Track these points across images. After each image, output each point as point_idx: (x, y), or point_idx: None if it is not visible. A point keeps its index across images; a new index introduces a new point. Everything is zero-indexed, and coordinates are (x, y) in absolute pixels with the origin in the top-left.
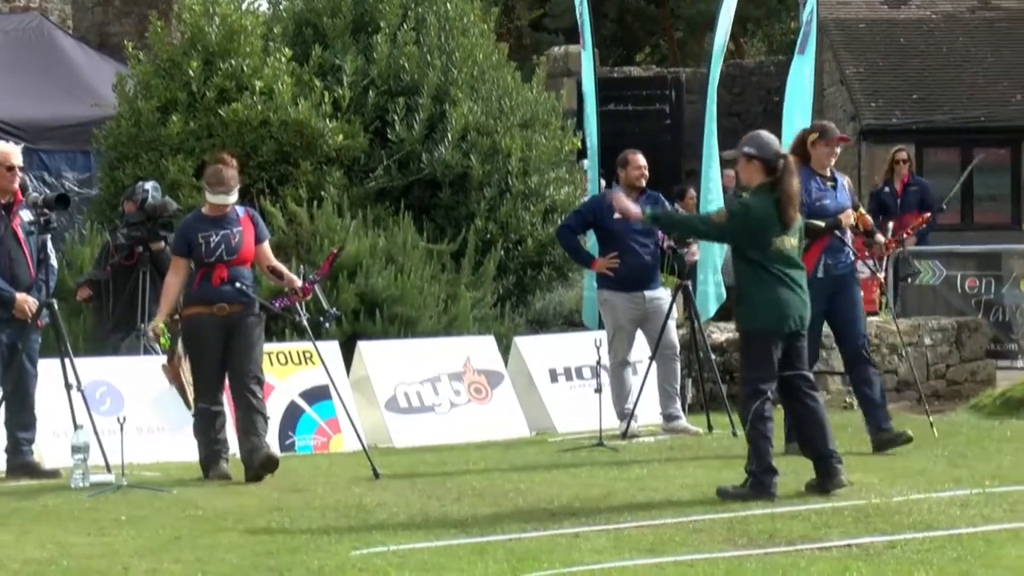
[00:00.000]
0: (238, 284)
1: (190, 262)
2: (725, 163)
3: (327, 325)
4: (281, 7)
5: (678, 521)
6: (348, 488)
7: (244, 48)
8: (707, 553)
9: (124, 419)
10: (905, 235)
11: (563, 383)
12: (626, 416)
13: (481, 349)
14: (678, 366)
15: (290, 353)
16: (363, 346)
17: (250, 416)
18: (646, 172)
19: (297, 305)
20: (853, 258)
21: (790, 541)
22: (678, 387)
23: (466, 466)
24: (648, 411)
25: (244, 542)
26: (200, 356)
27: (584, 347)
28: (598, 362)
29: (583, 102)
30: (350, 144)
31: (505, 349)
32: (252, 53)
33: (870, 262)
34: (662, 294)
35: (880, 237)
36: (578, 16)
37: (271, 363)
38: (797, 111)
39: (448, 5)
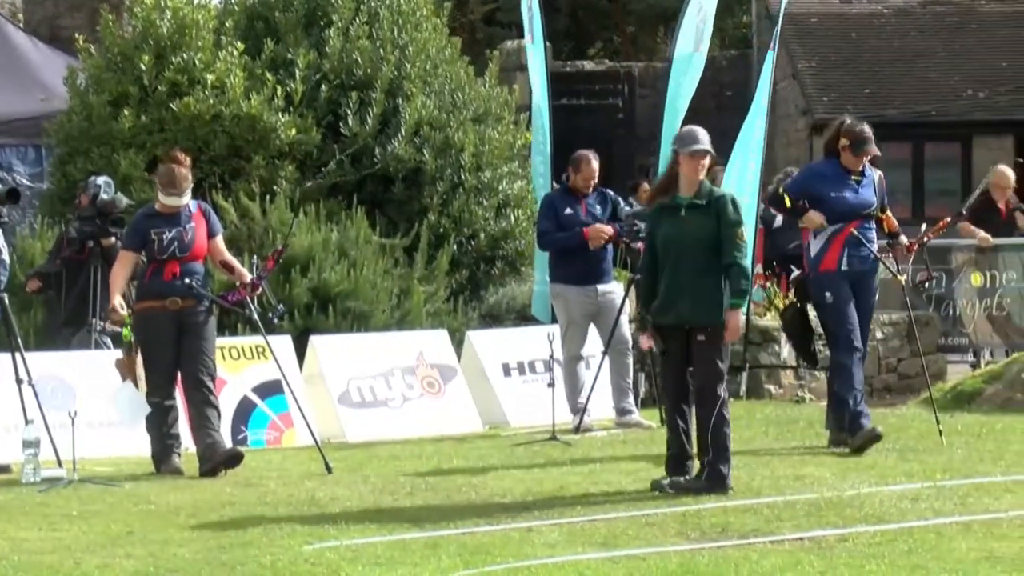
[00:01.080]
0: (188, 280)
1: (140, 256)
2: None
3: (275, 320)
4: (233, 1)
5: (631, 515)
6: (301, 483)
7: (196, 42)
8: (660, 547)
9: (75, 414)
10: (927, 238)
11: (516, 377)
12: (579, 410)
13: (434, 343)
14: (631, 360)
15: (243, 348)
16: (316, 340)
17: (204, 411)
18: (595, 180)
19: (248, 300)
20: (873, 253)
21: (743, 535)
22: (631, 381)
23: (419, 460)
24: (601, 405)
25: (196, 537)
26: (152, 351)
27: (537, 341)
28: (551, 356)
29: (548, 96)
30: (302, 139)
31: (458, 343)
32: (204, 47)
33: (891, 263)
34: (615, 288)
35: (903, 239)
36: (524, 11)
37: (223, 358)
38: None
39: None
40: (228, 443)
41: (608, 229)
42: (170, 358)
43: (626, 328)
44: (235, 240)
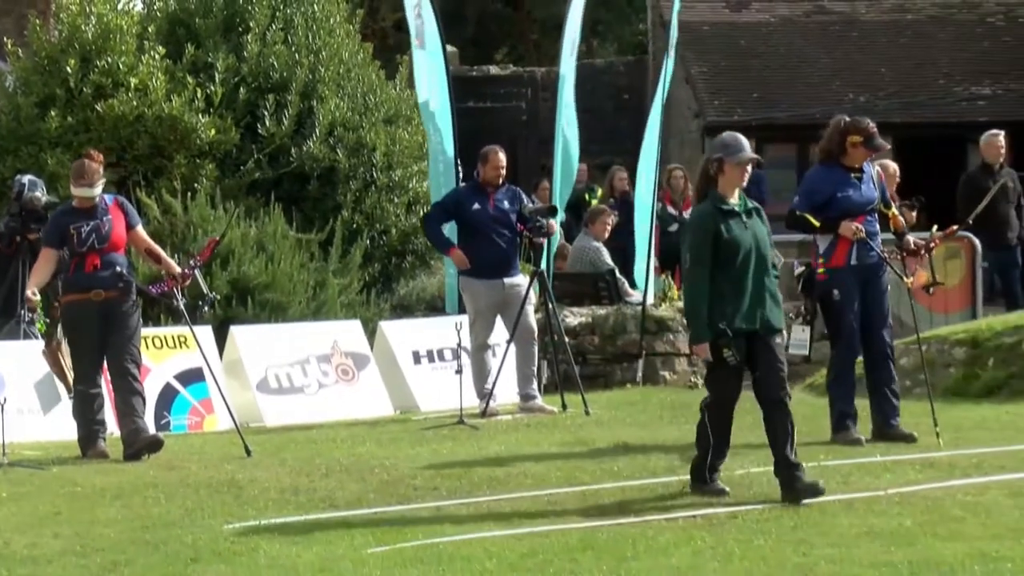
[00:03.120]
0: (118, 268)
1: (62, 253)
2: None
3: (205, 309)
4: (155, 7)
5: (534, 495)
6: (221, 465)
7: (119, 46)
8: (562, 524)
9: (4, 401)
10: (934, 243)
11: (426, 365)
12: (485, 396)
13: (348, 333)
14: (535, 349)
15: (165, 337)
16: (235, 330)
17: (129, 398)
18: (503, 171)
19: (175, 290)
20: (879, 253)
21: (639, 513)
22: (535, 369)
23: (333, 444)
24: (506, 391)
25: (121, 517)
26: (79, 341)
27: (445, 331)
28: (459, 345)
29: (451, 98)
30: (222, 139)
31: (371, 333)
32: (127, 51)
33: (898, 266)
34: (520, 281)
35: (910, 239)
36: (412, 18)
37: (147, 347)
38: (658, 108)
39: (315, 6)
40: (152, 428)
41: (465, 263)
42: (96, 348)
43: (531, 318)
44: (158, 235)
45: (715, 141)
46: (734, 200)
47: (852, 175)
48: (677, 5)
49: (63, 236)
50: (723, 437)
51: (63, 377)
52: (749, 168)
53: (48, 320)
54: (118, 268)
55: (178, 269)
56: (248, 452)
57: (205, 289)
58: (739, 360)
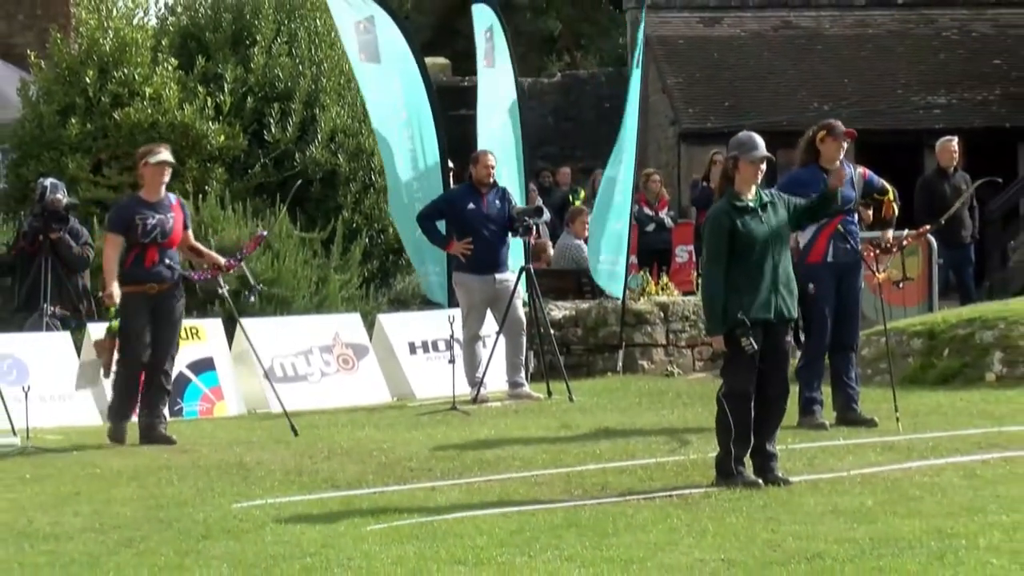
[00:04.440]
0: (172, 263)
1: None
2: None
3: (252, 298)
4: (168, 22)
5: (522, 475)
6: (230, 448)
7: (135, 58)
8: (547, 503)
9: (28, 388)
10: (906, 241)
11: (421, 355)
12: (476, 384)
13: (348, 325)
14: (524, 340)
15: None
16: (244, 323)
17: (156, 392)
18: (493, 171)
19: (219, 279)
20: (856, 250)
21: (620, 492)
22: (523, 358)
23: (335, 428)
24: (496, 379)
25: (137, 497)
26: (127, 329)
27: (439, 323)
28: (452, 336)
29: (433, 108)
30: (231, 144)
31: (370, 325)
32: (142, 63)
33: (871, 261)
34: (509, 276)
35: (889, 233)
36: (357, 33)
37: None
38: (633, 116)
39: (317, 22)
40: (167, 412)
41: (467, 250)
42: (143, 336)
43: (520, 311)
44: None
45: (732, 140)
46: (750, 196)
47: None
48: (642, 22)
49: (128, 224)
50: (745, 426)
51: (108, 365)
52: (764, 165)
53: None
54: (172, 263)
55: (222, 260)
56: (295, 432)
57: (252, 279)
58: (756, 349)
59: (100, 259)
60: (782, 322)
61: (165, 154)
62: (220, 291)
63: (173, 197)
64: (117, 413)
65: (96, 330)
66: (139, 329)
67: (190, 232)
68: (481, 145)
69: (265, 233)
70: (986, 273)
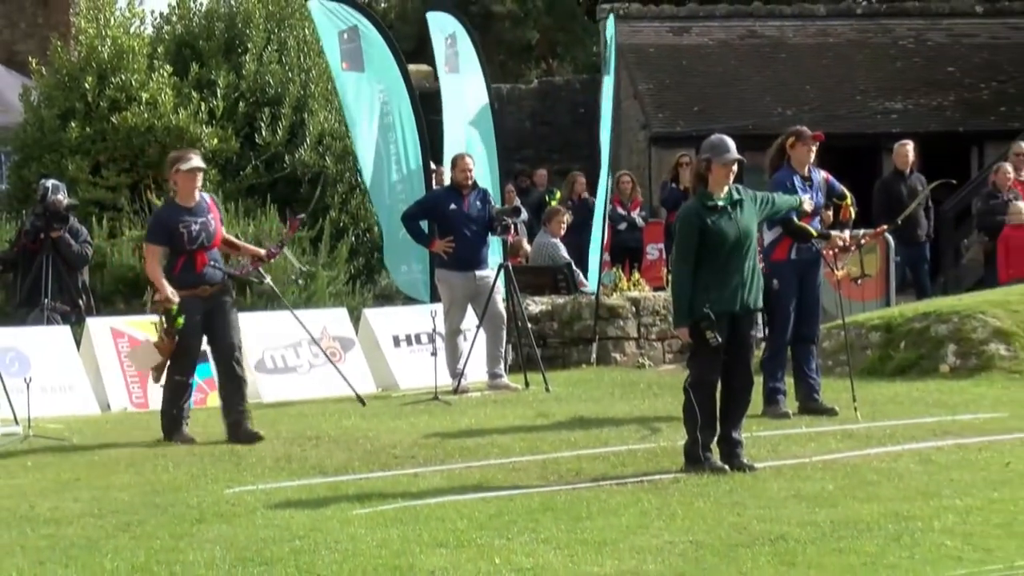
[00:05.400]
0: (219, 263)
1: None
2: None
3: (299, 281)
4: (163, 31)
5: (500, 462)
6: (222, 437)
7: (132, 65)
8: (525, 489)
9: (30, 380)
10: (864, 240)
11: (404, 348)
12: (457, 375)
13: (336, 319)
14: (504, 333)
15: None
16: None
17: (234, 386)
18: (471, 173)
19: (260, 269)
20: (818, 249)
21: (593, 478)
22: (502, 351)
23: (323, 417)
24: (476, 371)
25: (134, 483)
26: (184, 335)
27: (422, 318)
28: (434, 330)
29: (416, 113)
30: (223, 147)
31: (356, 319)
32: (139, 70)
33: (830, 258)
34: (489, 273)
35: (846, 233)
36: (339, 43)
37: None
38: (606, 120)
39: (306, 30)
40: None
41: (449, 249)
42: (197, 340)
43: (499, 306)
44: None
45: (704, 143)
46: (721, 195)
47: (806, 182)
48: (611, 30)
49: (171, 234)
50: (710, 415)
51: (162, 368)
52: (735, 167)
53: (164, 314)
54: (217, 263)
55: (261, 251)
56: (362, 402)
57: (295, 263)
58: (720, 342)
59: (98, 257)
60: (747, 314)
61: (196, 160)
62: (263, 282)
63: (207, 197)
64: (173, 425)
65: (142, 331)
66: (193, 332)
67: (223, 228)
68: (448, 149)
69: (302, 216)
70: (940, 270)
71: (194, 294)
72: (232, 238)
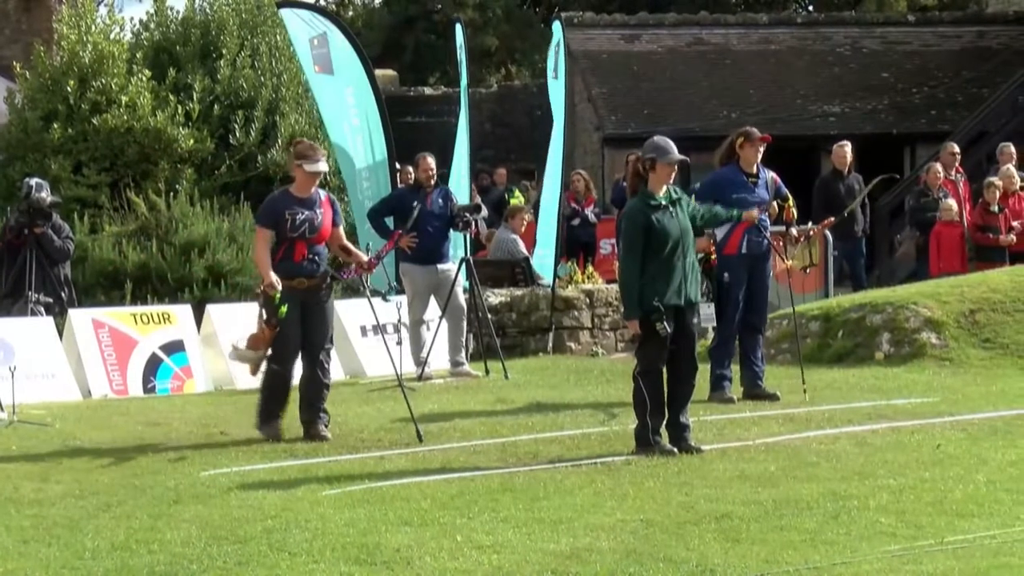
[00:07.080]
0: (320, 259)
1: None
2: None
3: (385, 295)
4: (142, 37)
5: (461, 445)
6: (198, 422)
7: (112, 70)
8: (485, 470)
9: (15, 368)
10: (812, 232)
11: (371, 337)
12: (421, 363)
13: None
14: (465, 324)
15: (151, 314)
16: (211, 308)
17: (316, 386)
18: (433, 173)
19: (361, 277)
20: (768, 241)
21: (550, 460)
22: (463, 340)
23: (293, 404)
24: (439, 359)
25: (114, 466)
26: (284, 323)
27: (388, 309)
28: (399, 321)
29: (382, 115)
30: (199, 147)
31: None
32: (119, 74)
33: (781, 250)
34: (451, 266)
35: (793, 230)
36: (309, 50)
37: (136, 322)
38: (558, 122)
39: (278, 37)
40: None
41: (412, 243)
42: (296, 333)
43: (460, 298)
44: (146, 228)
45: (647, 144)
46: (662, 194)
47: (748, 179)
48: (558, 35)
49: (277, 219)
50: (658, 401)
51: (260, 362)
52: (676, 168)
53: (265, 303)
54: (319, 258)
55: (365, 259)
56: (420, 438)
57: (388, 279)
58: (669, 332)
59: (80, 251)
60: (690, 306)
61: (321, 164)
62: (362, 288)
63: (323, 193)
64: (267, 417)
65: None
66: (291, 324)
67: (341, 230)
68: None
69: (400, 232)
70: (876, 263)
71: (289, 285)
72: (348, 244)
